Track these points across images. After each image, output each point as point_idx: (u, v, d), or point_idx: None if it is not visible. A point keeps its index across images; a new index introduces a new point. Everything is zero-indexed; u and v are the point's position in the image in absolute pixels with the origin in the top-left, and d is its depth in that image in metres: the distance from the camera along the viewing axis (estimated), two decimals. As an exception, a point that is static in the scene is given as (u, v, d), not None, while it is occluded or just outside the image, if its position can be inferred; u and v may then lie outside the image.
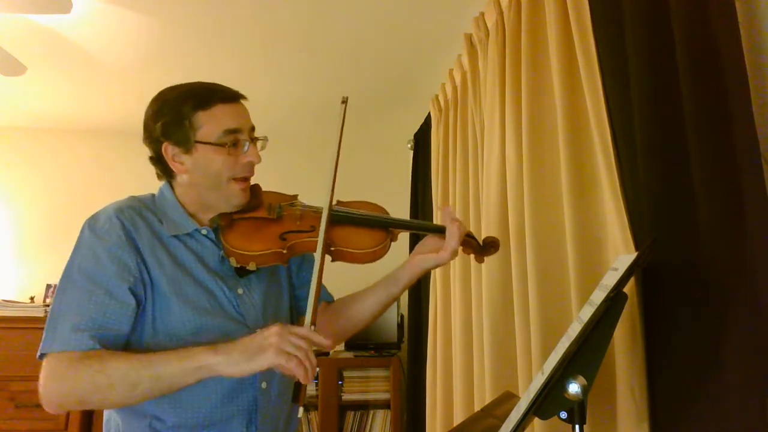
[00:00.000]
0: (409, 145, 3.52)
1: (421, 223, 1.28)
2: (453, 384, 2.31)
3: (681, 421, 1.04)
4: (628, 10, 1.24)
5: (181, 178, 1.18)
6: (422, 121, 3.31)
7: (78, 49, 2.64)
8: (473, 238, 1.31)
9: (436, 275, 2.64)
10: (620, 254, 1.16)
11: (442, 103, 2.80)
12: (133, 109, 3.35)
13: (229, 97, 1.17)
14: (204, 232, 1.19)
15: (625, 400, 1.16)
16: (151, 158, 1.20)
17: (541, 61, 1.67)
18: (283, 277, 1.33)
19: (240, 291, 1.19)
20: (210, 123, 1.13)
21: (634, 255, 0.97)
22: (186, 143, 1.13)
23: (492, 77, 1.97)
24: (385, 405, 3.21)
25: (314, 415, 3.18)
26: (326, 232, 1.15)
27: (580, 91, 1.44)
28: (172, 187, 1.21)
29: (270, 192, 1.27)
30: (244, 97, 1.20)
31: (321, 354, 3.21)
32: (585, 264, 1.36)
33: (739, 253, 0.92)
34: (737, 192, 0.91)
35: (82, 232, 1.12)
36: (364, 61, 2.80)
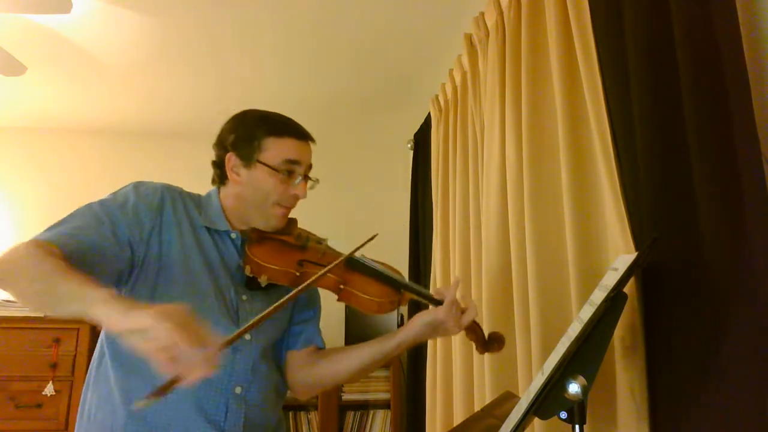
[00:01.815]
0: (409, 145, 3.52)
1: (430, 294, 1.30)
2: (453, 384, 2.31)
3: (681, 421, 1.04)
4: (628, 10, 1.24)
5: (232, 188, 1.27)
6: (422, 121, 3.31)
7: (78, 49, 2.64)
8: (479, 328, 1.31)
9: (436, 276, 2.65)
10: (620, 254, 1.16)
11: (442, 103, 2.80)
12: (133, 108, 3.36)
13: (300, 134, 1.27)
14: (233, 236, 1.26)
15: (625, 400, 1.16)
16: (213, 162, 1.31)
17: (541, 61, 1.67)
18: (288, 307, 1.35)
19: (244, 297, 1.23)
20: (276, 149, 1.23)
21: (634, 255, 0.98)
22: (249, 159, 1.24)
23: (492, 77, 1.97)
24: (385, 405, 3.21)
25: (314, 415, 3.18)
26: (341, 273, 1.24)
27: (580, 91, 1.44)
28: (218, 192, 1.31)
29: (303, 229, 1.36)
30: (313, 140, 1.30)
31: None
32: (585, 264, 1.36)
33: (739, 253, 0.92)
34: (737, 192, 0.91)
35: (125, 186, 1.20)
36: (364, 61, 2.80)
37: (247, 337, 1.18)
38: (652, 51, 1.14)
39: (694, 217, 1.01)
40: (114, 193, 1.18)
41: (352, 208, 3.61)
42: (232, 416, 1.14)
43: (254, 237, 1.26)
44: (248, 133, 1.25)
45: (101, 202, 1.14)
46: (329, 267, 1.17)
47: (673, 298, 1.09)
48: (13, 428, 2.79)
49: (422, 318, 1.24)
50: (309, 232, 1.36)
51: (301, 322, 1.37)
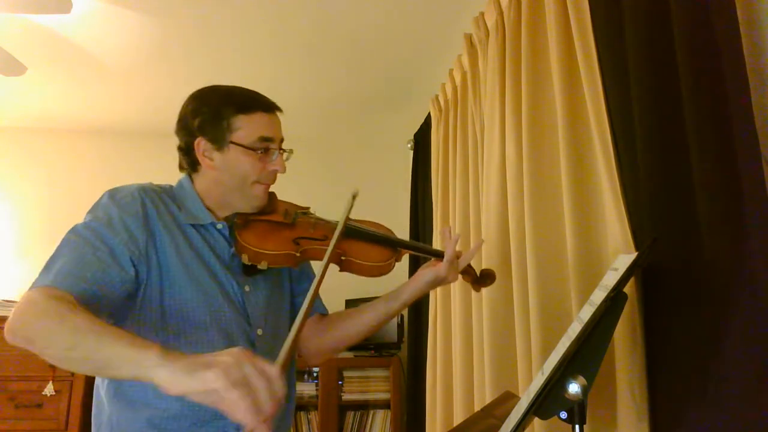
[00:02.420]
0: (409, 145, 3.52)
1: (426, 246, 1.37)
2: (453, 384, 2.31)
3: (681, 422, 1.04)
4: (628, 10, 1.24)
5: (205, 174, 1.22)
6: (422, 121, 3.31)
7: (78, 49, 2.64)
8: (471, 268, 1.37)
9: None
10: (620, 254, 1.16)
11: (442, 103, 2.80)
12: (133, 108, 3.36)
13: (268, 106, 1.22)
14: (219, 226, 1.21)
15: (625, 400, 1.16)
16: (179, 148, 1.24)
17: (541, 61, 1.67)
18: (286, 282, 1.34)
19: (247, 288, 1.21)
20: (248, 127, 1.18)
21: (634, 255, 0.98)
22: (220, 141, 1.17)
23: (492, 77, 1.97)
24: (385, 405, 3.21)
25: (314, 415, 3.18)
26: (339, 243, 1.20)
27: (580, 91, 1.44)
28: (191, 180, 1.24)
29: (284, 201, 1.32)
30: (280, 110, 1.25)
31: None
32: (585, 264, 1.36)
33: (739, 253, 0.92)
34: (737, 192, 0.91)
35: (100, 198, 1.13)
36: (364, 61, 2.80)
37: (260, 332, 1.17)
38: (652, 51, 1.14)
39: (694, 217, 1.01)
40: (93, 211, 1.11)
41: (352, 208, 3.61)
42: None
43: (241, 222, 1.21)
44: (215, 113, 1.18)
45: (86, 226, 1.07)
46: (334, 241, 1.15)
47: (673, 298, 1.09)
48: (13, 428, 2.79)
49: (425, 277, 1.29)
50: (292, 205, 1.32)
51: (300, 294, 1.36)
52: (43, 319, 0.91)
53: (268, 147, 1.20)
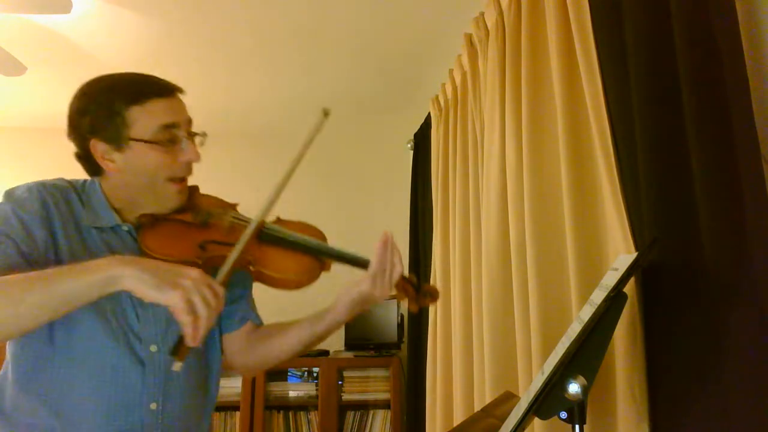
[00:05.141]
0: (409, 145, 3.52)
1: (356, 256, 1.16)
2: (453, 384, 2.31)
3: (681, 422, 1.04)
4: (628, 11, 1.24)
5: (113, 178, 1.09)
6: (422, 121, 3.31)
7: (78, 49, 2.64)
8: (409, 282, 1.15)
9: (437, 276, 2.65)
10: (620, 254, 1.16)
11: (442, 103, 2.80)
12: (133, 109, 3.36)
13: (165, 90, 1.07)
14: (125, 228, 1.09)
15: (625, 400, 1.16)
16: (76, 155, 1.12)
17: (541, 61, 1.67)
18: None
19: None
20: (145, 118, 1.03)
21: (634, 255, 0.98)
22: (118, 140, 1.04)
23: (492, 77, 1.97)
24: (385, 405, 3.22)
25: (314, 415, 3.19)
26: (251, 248, 1.07)
27: (580, 91, 1.44)
28: (100, 184, 1.12)
29: (208, 196, 1.18)
30: (180, 90, 1.10)
31: (321, 353, 3.21)
32: (585, 264, 1.36)
33: (739, 253, 0.92)
34: (737, 192, 0.91)
35: None
36: (364, 61, 2.80)
37: (153, 348, 1.05)
38: (652, 51, 1.14)
39: (694, 217, 1.01)
40: None
41: (352, 208, 3.62)
42: None
43: (147, 222, 1.07)
44: (104, 110, 1.03)
45: None
46: (237, 250, 1.01)
47: (673, 298, 1.09)
48: (13, 428, 2.78)
49: (349, 296, 1.12)
50: (215, 201, 1.17)
51: (232, 301, 1.20)
52: None
53: (173, 135, 1.05)
